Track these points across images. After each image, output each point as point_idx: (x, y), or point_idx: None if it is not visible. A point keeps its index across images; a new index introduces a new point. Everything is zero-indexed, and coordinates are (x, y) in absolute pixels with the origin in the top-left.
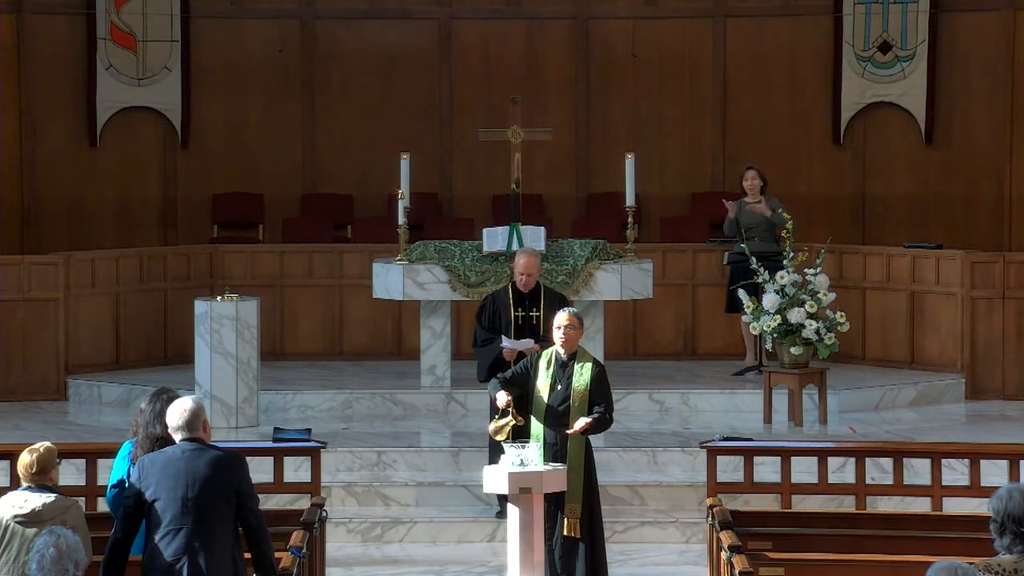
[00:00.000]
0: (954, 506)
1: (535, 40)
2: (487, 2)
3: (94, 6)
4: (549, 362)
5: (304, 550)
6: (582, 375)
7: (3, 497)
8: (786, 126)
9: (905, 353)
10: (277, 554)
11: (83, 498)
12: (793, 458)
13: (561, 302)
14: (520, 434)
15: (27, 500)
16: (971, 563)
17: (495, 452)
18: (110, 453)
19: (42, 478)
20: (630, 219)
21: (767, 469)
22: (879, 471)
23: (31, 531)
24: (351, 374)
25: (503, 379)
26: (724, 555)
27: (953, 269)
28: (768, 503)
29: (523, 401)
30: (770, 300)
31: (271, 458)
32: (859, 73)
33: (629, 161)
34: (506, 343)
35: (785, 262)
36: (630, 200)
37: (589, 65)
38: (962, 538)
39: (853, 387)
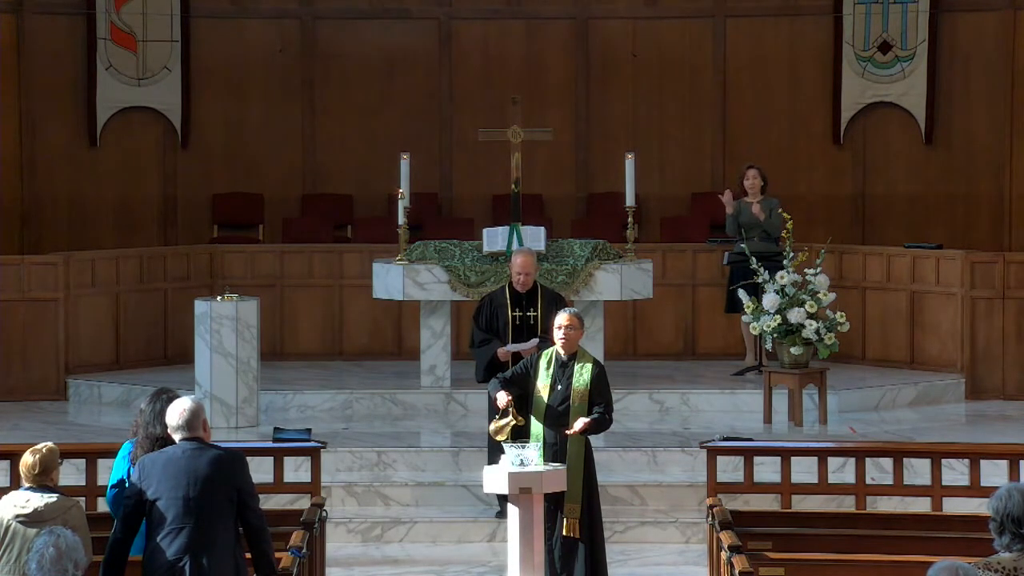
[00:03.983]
0: (954, 506)
1: (535, 40)
2: (487, 2)
3: (94, 6)
4: (549, 362)
5: (304, 550)
6: (582, 375)
7: (5, 497)
8: (786, 126)
9: (905, 353)
10: (277, 554)
11: (83, 498)
12: (793, 458)
13: (559, 302)
14: (520, 434)
15: (29, 500)
16: (970, 563)
17: (495, 452)
18: (110, 453)
19: (44, 478)
20: (630, 219)
21: (767, 469)
22: (879, 471)
23: (32, 531)
24: (351, 374)
25: (503, 379)
26: (724, 555)
27: (953, 269)
28: (768, 503)
29: (523, 401)
30: (770, 300)
31: (271, 458)
32: (859, 73)
33: (629, 161)
34: (511, 347)
35: (785, 262)
36: (630, 200)
37: (589, 65)
38: (962, 538)
39: (853, 387)
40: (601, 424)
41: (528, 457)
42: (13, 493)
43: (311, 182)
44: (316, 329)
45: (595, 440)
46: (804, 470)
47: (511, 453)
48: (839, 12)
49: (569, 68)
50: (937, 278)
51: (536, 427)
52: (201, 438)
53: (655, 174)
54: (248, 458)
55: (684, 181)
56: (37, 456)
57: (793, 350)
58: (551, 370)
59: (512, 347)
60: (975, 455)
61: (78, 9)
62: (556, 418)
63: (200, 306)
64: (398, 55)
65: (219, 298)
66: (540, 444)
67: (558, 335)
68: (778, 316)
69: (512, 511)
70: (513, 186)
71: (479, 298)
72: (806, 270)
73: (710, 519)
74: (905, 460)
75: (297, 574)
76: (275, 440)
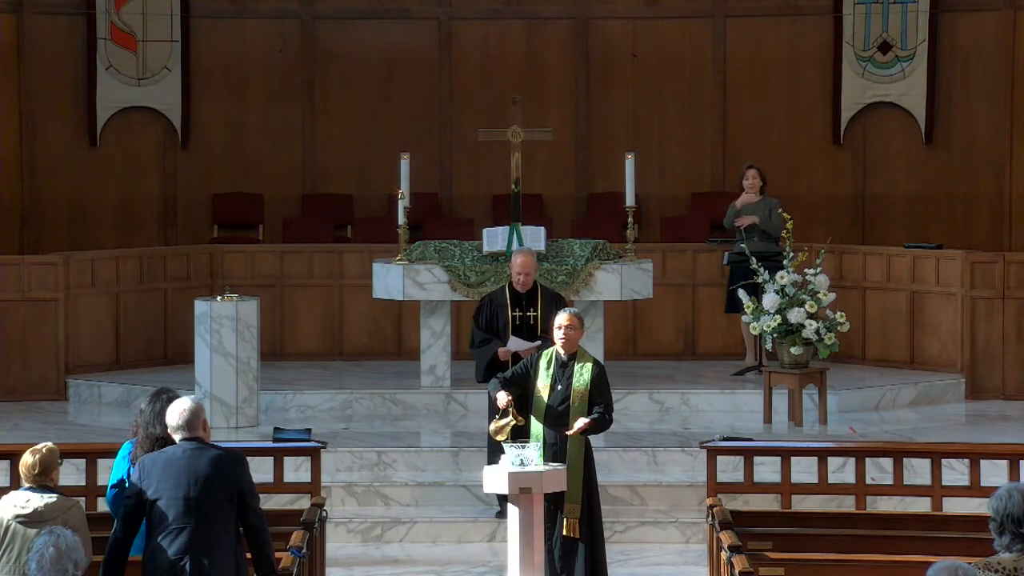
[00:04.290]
0: (954, 506)
1: (535, 40)
2: (487, 2)
3: (94, 6)
4: (549, 362)
5: (304, 550)
6: (582, 375)
7: (4, 497)
8: (786, 126)
9: (905, 353)
10: (277, 554)
11: (83, 498)
12: (793, 458)
13: (558, 302)
14: (520, 434)
15: (29, 500)
16: (970, 563)
17: (495, 452)
18: (110, 453)
19: (44, 479)
20: (630, 219)
21: (767, 469)
22: (879, 471)
23: (32, 531)
24: (351, 374)
25: (503, 379)
26: (724, 555)
27: (953, 269)
28: (768, 503)
29: (523, 401)
30: (770, 300)
31: (271, 458)
32: (859, 73)
33: (629, 161)
34: (513, 344)
35: (785, 262)
36: (630, 200)
37: (589, 65)
38: (962, 538)
39: (853, 387)
40: (601, 424)
41: (528, 457)
42: (13, 493)
43: (311, 182)
44: (316, 329)
45: (595, 440)
46: (804, 470)
47: (511, 453)
48: (839, 12)
49: (569, 68)
50: (937, 278)
51: (536, 427)
52: (201, 438)
53: (655, 174)
54: (248, 458)
55: (684, 181)
56: (37, 456)
57: (793, 350)
58: (551, 370)
59: (512, 345)
60: (975, 455)
61: (78, 9)
62: (556, 418)
63: (200, 306)
64: (398, 55)
65: (219, 298)
66: (540, 444)
67: (558, 335)
68: (778, 316)
69: (512, 511)
70: (513, 186)
71: (479, 298)
72: (806, 270)
73: (710, 519)
74: (905, 460)
75: (297, 574)
76: (275, 440)
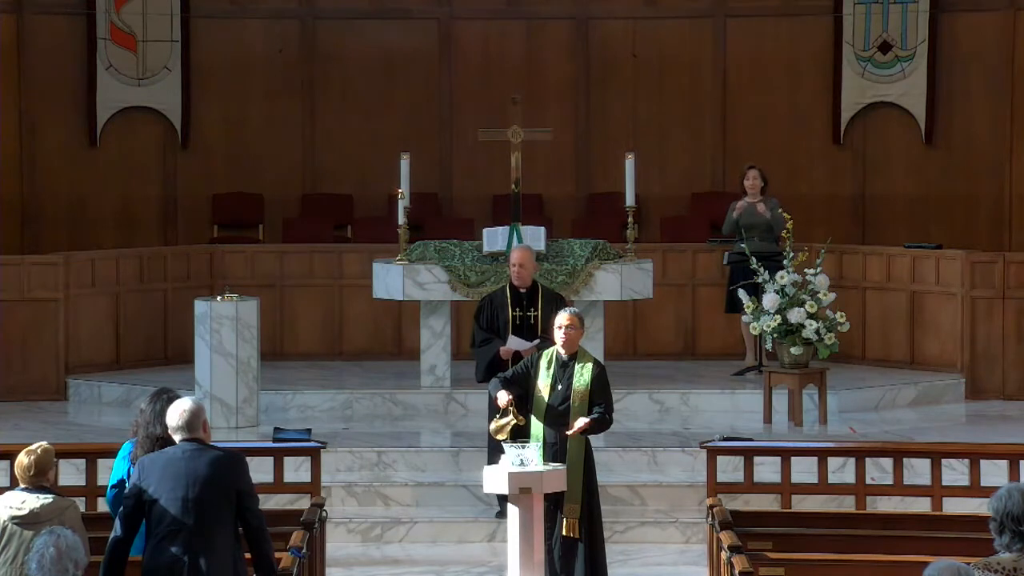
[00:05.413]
0: (954, 506)
1: (535, 40)
2: (487, 2)
3: (94, 6)
4: (550, 362)
5: (304, 550)
6: (582, 375)
7: (0, 498)
8: (786, 126)
9: (905, 353)
10: (277, 554)
11: (83, 498)
12: (793, 458)
13: (559, 301)
14: (520, 434)
15: (25, 501)
16: (968, 563)
17: (495, 452)
18: (110, 453)
19: (40, 479)
20: (630, 219)
21: (767, 469)
22: (879, 471)
23: (29, 532)
24: (351, 374)
25: (504, 378)
26: (724, 555)
27: (953, 269)
28: (768, 503)
29: (523, 401)
30: (770, 300)
31: (271, 458)
32: (859, 73)
33: (629, 161)
34: (512, 344)
35: (785, 262)
36: (630, 200)
37: (589, 65)
38: (962, 538)
39: (853, 387)
40: (601, 424)
41: (528, 457)
42: (8, 494)
43: (311, 182)
44: (316, 329)
45: (595, 440)
46: (804, 470)
47: (511, 453)
48: (839, 12)
49: (569, 68)
50: (937, 278)
51: (536, 427)
52: (201, 439)
53: (655, 174)
54: (248, 458)
55: (684, 181)
56: (32, 457)
57: (793, 350)
58: (552, 370)
59: (511, 344)
60: (975, 455)
61: (78, 9)
62: (556, 418)
63: (200, 306)
64: (398, 55)
65: (219, 298)
66: (540, 444)
67: (559, 335)
68: (778, 316)
69: (512, 511)
70: (513, 186)
71: (479, 298)
72: (806, 270)
73: (710, 519)
74: (905, 460)
75: (297, 574)
76: (275, 440)
